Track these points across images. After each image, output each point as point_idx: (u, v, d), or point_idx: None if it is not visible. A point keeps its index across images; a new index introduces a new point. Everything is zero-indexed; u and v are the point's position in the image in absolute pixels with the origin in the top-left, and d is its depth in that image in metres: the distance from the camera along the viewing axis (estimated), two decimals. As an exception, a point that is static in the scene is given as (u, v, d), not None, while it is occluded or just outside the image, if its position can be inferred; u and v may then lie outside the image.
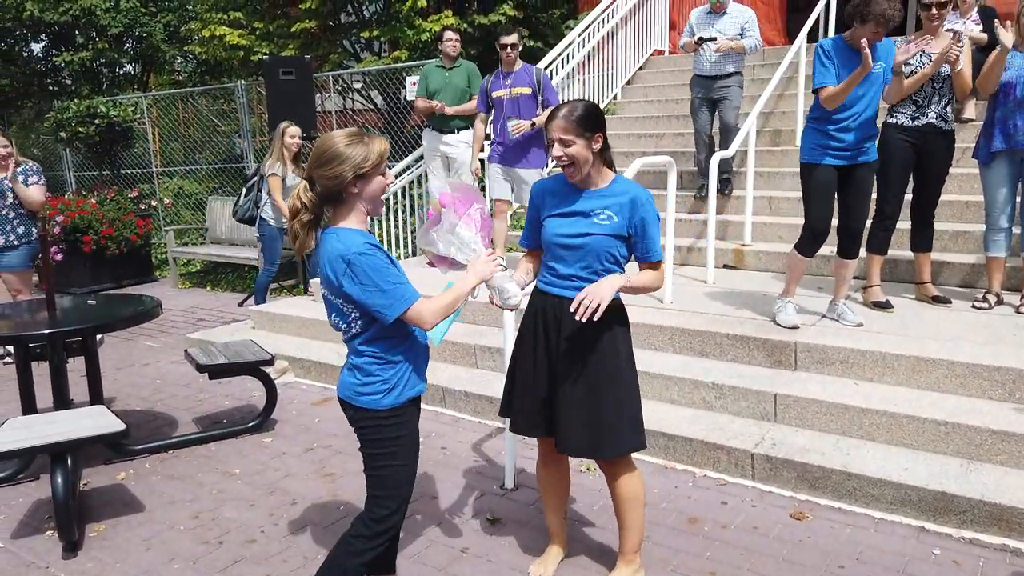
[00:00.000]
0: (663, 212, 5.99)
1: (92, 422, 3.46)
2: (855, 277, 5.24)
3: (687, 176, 6.87)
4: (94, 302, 4.41)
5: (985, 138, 4.47)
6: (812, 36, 7.21)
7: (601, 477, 3.58)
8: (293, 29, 9.86)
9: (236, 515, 3.50)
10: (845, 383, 3.89)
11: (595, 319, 2.41)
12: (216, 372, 4.37)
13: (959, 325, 4.21)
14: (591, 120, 2.51)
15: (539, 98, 5.83)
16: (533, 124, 5.70)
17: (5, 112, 15.53)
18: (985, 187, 4.53)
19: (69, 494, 3.22)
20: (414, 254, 7.52)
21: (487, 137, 6.36)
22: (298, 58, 7.95)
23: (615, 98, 8.92)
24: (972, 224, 5.37)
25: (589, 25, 8.45)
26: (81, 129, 9.97)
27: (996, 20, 4.60)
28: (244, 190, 7.09)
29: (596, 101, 8.63)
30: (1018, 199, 4.54)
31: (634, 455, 3.86)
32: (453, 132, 6.36)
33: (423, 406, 4.66)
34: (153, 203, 10.61)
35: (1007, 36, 4.22)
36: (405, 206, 7.38)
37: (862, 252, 4.74)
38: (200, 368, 4.30)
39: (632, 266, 2.65)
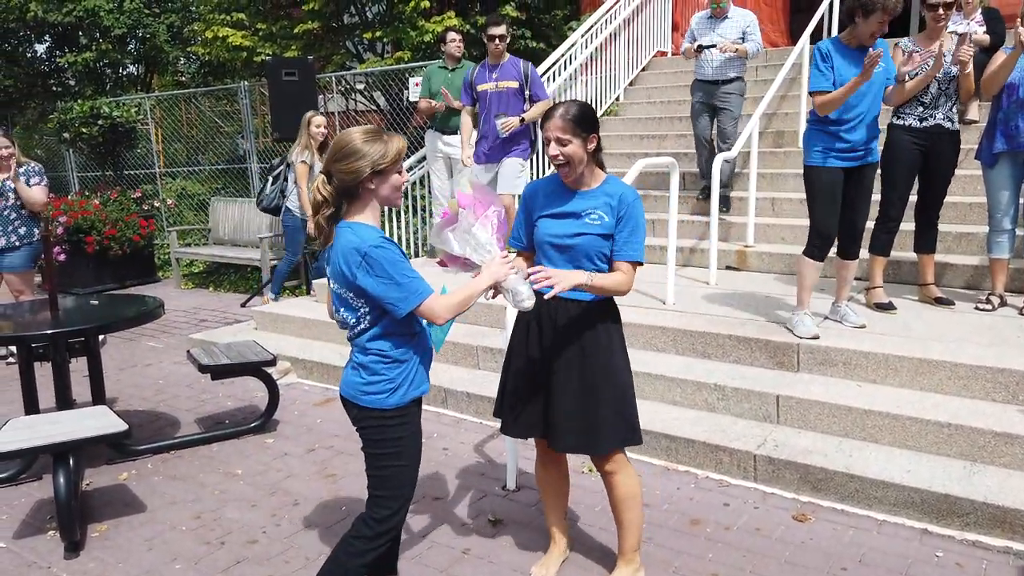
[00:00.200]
0: (665, 214, 6.01)
1: (94, 422, 3.46)
2: (857, 278, 5.23)
3: (689, 177, 6.86)
4: (97, 302, 4.41)
5: (987, 139, 4.47)
6: (815, 37, 7.18)
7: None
8: (296, 30, 9.87)
9: (238, 515, 3.50)
10: (848, 385, 3.88)
11: (546, 296, 2.39)
12: (218, 373, 4.38)
13: (962, 327, 4.20)
14: (587, 121, 2.54)
15: (526, 92, 5.69)
16: (522, 120, 5.60)
17: (9, 113, 15.56)
18: (988, 189, 4.52)
19: (71, 494, 3.22)
20: (416, 255, 7.52)
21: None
22: (301, 59, 7.96)
23: (618, 99, 8.92)
24: (975, 226, 5.36)
25: (592, 26, 8.44)
26: (84, 130, 9.99)
27: (1019, 19, 4.56)
28: (270, 179, 7.09)
29: (599, 102, 8.63)
30: (1021, 200, 4.53)
31: (636, 456, 3.89)
32: (455, 133, 6.35)
33: (424, 407, 4.68)
34: (156, 204, 10.63)
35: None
36: (407, 207, 7.38)
37: (864, 253, 4.74)
38: (202, 369, 4.30)
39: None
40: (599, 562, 2.99)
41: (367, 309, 2.27)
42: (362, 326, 2.30)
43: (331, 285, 2.35)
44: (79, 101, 10.47)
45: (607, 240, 2.58)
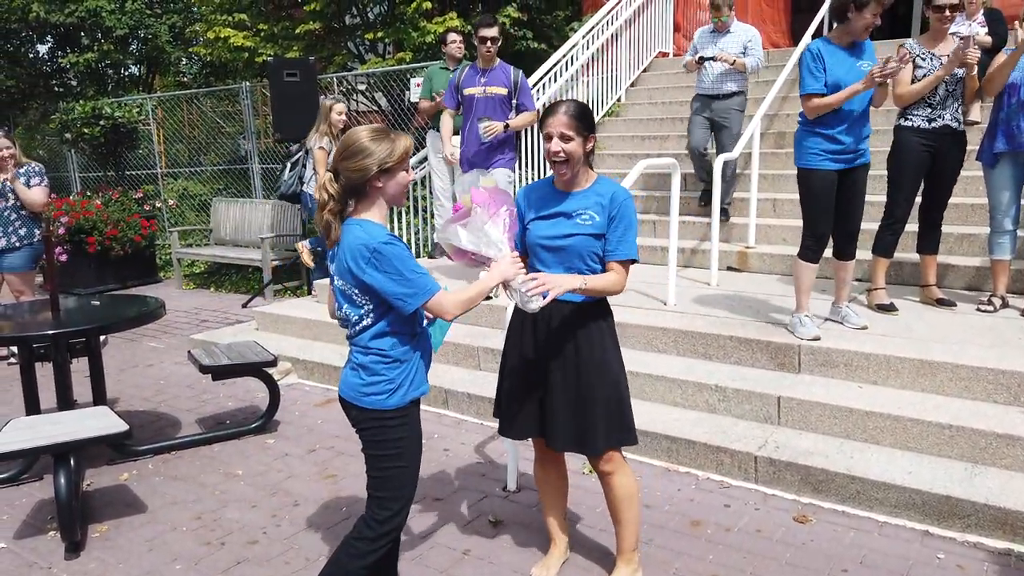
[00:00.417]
0: (667, 215, 6.01)
1: (95, 423, 3.46)
2: (858, 279, 5.23)
3: (691, 178, 6.85)
4: (98, 303, 4.42)
5: (988, 140, 4.47)
6: (817, 37, 7.19)
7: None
8: (298, 31, 9.87)
9: (238, 516, 3.50)
10: (849, 386, 3.88)
11: (543, 301, 2.40)
12: (219, 373, 4.38)
13: (964, 328, 4.19)
14: (588, 120, 2.58)
15: (513, 101, 5.44)
16: (507, 127, 5.35)
17: (11, 113, 15.58)
18: (989, 189, 4.52)
19: (72, 495, 3.22)
20: (417, 255, 7.52)
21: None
22: (302, 60, 7.96)
23: (619, 100, 8.92)
24: (977, 227, 5.35)
25: (593, 27, 8.45)
26: (86, 130, 10.01)
27: (1017, 22, 4.56)
28: (288, 165, 7.06)
29: (600, 103, 8.63)
30: (1023, 201, 4.52)
31: (636, 457, 3.88)
32: (457, 134, 6.35)
33: (425, 408, 4.68)
34: (158, 204, 10.64)
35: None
36: (409, 207, 7.38)
37: (867, 254, 4.73)
38: (203, 369, 4.30)
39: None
40: (599, 563, 2.99)
41: (371, 306, 2.28)
42: (364, 323, 2.31)
43: (335, 282, 2.36)
44: (81, 102, 10.48)
45: (599, 240, 2.59)
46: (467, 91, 5.50)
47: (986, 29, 5.75)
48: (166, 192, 11.30)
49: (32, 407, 4.04)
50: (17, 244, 5.81)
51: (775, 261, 5.66)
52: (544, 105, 7.18)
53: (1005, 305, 4.52)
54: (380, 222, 2.30)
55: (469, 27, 9.05)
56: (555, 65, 7.85)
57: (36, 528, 3.47)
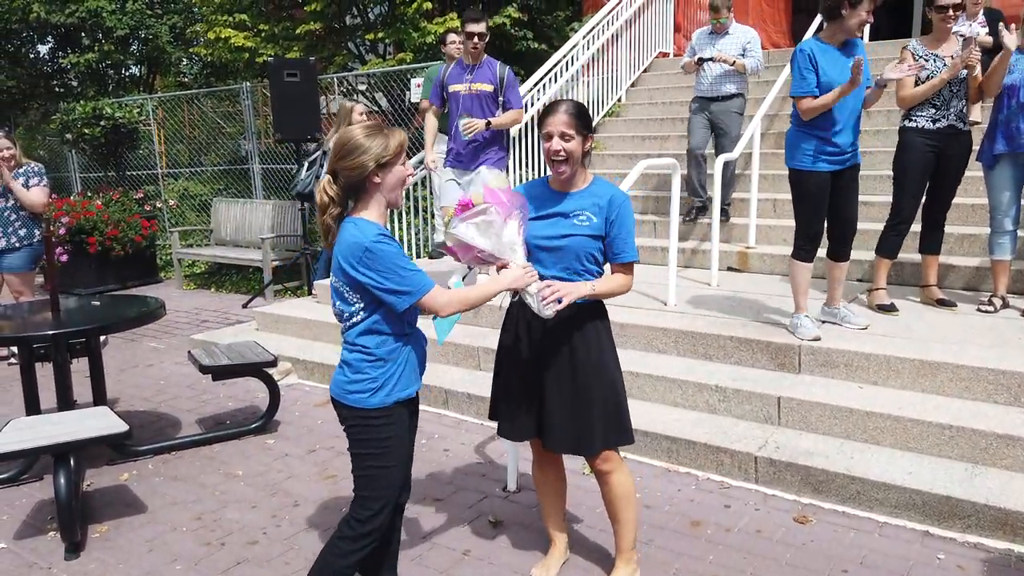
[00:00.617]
0: (667, 215, 6.00)
1: (95, 423, 3.46)
2: (859, 280, 5.23)
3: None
4: (98, 303, 4.42)
5: (988, 141, 4.47)
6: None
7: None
8: (298, 31, 9.88)
9: (238, 516, 3.50)
10: (849, 386, 3.88)
11: (558, 307, 2.44)
12: (219, 373, 4.38)
13: (964, 328, 4.19)
14: (586, 120, 2.59)
15: (500, 98, 5.26)
16: (488, 124, 5.14)
17: (11, 113, 15.60)
18: (989, 190, 4.52)
19: (72, 495, 3.22)
20: (418, 256, 7.52)
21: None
22: (303, 60, 7.96)
23: (619, 100, 8.92)
24: (977, 227, 5.35)
25: (594, 27, 8.45)
26: (87, 131, 10.01)
27: (1001, 23, 4.58)
28: (305, 164, 7.05)
29: (601, 103, 8.63)
30: (1023, 202, 4.52)
31: (636, 457, 3.88)
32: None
33: (425, 408, 4.69)
34: (158, 204, 10.65)
35: (1011, 38, 4.21)
36: (409, 208, 7.38)
37: (866, 254, 4.73)
38: (203, 369, 4.30)
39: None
40: (599, 563, 2.99)
41: (361, 304, 2.28)
42: (354, 320, 2.32)
43: (331, 280, 2.36)
44: (81, 102, 10.48)
45: (596, 241, 2.60)
46: (452, 88, 5.35)
47: (986, 29, 5.75)
48: (167, 192, 11.31)
49: (32, 407, 4.05)
50: (17, 245, 5.81)
51: (775, 261, 5.66)
52: (544, 105, 7.16)
53: (1005, 305, 4.52)
54: (377, 220, 2.30)
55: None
56: (555, 65, 7.85)
57: (36, 528, 3.47)
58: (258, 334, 6.22)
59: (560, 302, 2.43)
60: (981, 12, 5.78)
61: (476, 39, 5.17)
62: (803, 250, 4.12)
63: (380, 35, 9.56)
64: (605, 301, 2.72)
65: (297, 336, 6.03)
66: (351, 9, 10.43)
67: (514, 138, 7.29)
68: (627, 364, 4.20)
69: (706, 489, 3.58)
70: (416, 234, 7.52)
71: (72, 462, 3.32)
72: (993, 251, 4.52)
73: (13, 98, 15.55)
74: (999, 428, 3.33)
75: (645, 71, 9.31)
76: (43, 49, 15.92)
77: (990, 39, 5.61)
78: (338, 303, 2.35)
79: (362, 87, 10.53)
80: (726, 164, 5.91)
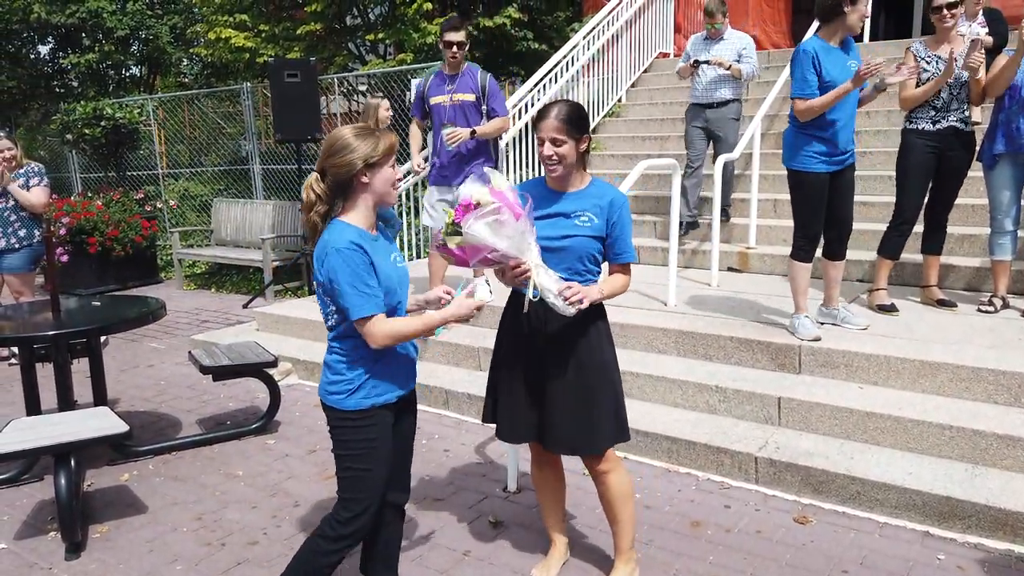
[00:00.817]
0: (667, 216, 6.01)
1: (96, 423, 3.46)
2: (859, 280, 5.23)
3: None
4: (99, 303, 4.42)
5: (988, 141, 4.47)
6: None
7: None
8: (299, 31, 9.89)
9: (239, 517, 3.50)
10: (849, 386, 3.88)
11: (580, 308, 2.45)
12: (220, 374, 4.38)
13: (964, 329, 4.19)
14: (581, 122, 2.58)
15: (483, 108, 5.03)
16: (473, 133, 4.91)
17: (12, 114, 15.61)
18: (989, 190, 4.52)
19: (72, 495, 3.23)
20: (419, 256, 7.52)
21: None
22: (303, 60, 7.97)
23: (620, 100, 8.92)
24: (978, 227, 5.35)
25: (594, 28, 8.45)
26: (87, 131, 10.02)
27: (1010, 24, 4.56)
28: None
29: (601, 103, 8.63)
30: (1023, 202, 4.52)
31: (637, 457, 3.89)
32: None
33: (426, 408, 4.69)
34: (159, 205, 10.65)
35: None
36: (409, 208, 7.39)
37: (866, 255, 4.73)
38: (204, 370, 4.30)
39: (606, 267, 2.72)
40: (599, 564, 2.99)
41: (334, 307, 2.29)
42: (330, 322, 2.32)
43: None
44: (82, 102, 10.49)
45: (597, 242, 2.61)
46: (433, 100, 5.11)
47: (987, 29, 5.75)
48: (167, 193, 11.31)
49: (33, 408, 4.05)
50: (16, 245, 5.81)
51: (776, 262, 5.66)
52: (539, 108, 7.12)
53: (1006, 306, 4.52)
54: (359, 225, 2.27)
55: (469, 28, 9.06)
56: (556, 66, 7.85)
57: (37, 529, 3.47)
58: (259, 334, 6.23)
59: (581, 302, 2.44)
60: (981, 12, 5.78)
61: (455, 48, 4.95)
62: (802, 250, 4.12)
63: (380, 36, 9.58)
64: (605, 301, 2.73)
65: (297, 336, 6.03)
66: (351, 10, 10.44)
67: (514, 138, 7.31)
68: (627, 364, 4.21)
69: (706, 489, 3.59)
70: (416, 235, 7.52)
71: (73, 462, 3.32)
72: (993, 251, 4.52)
73: (14, 98, 15.57)
74: (999, 428, 3.33)
75: (645, 71, 9.31)
76: (44, 49, 15.95)
77: (991, 39, 5.61)
78: (319, 304, 2.36)
79: (362, 87, 10.54)
80: (726, 164, 5.89)
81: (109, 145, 10.31)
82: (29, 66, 15.68)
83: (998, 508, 3.03)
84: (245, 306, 7.77)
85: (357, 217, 2.29)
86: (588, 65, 8.42)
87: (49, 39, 15.61)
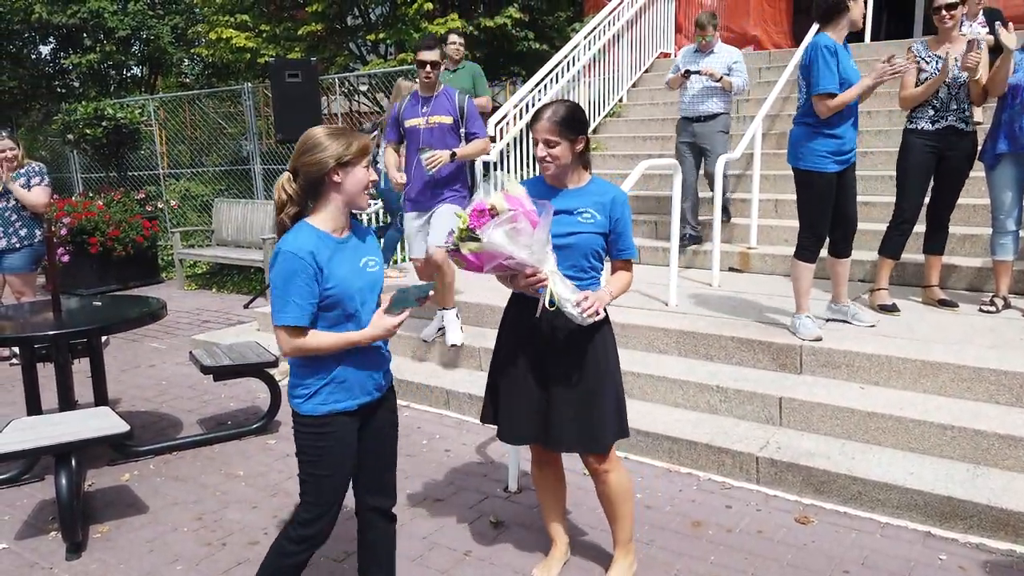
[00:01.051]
0: (667, 215, 6.00)
1: (97, 423, 3.46)
2: (860, 280, 5.23)
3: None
4: (100, 303, 4.42)
5: (991, 140, 4.46)
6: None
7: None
8: (300, 32, 9.90)
9: (239, 517, 3.50)
10: (850, 386, 3.87)
11: (597, 317, 2.49)
12: (220, 374, 4.38)
13: (965, 329, 4.19)
14: (575, 122, 2.57)
15: (461, 130, 4.76)
16: (453, 155, 4.61)
17: (13, 114, 15.62)
18: (991, 190, 4.52)
19: (73, 495, 3.23)
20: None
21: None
22: (304, 61, 7.96)
23: (621, 100, 8.92)
24: (979, 227, 5.34)
25: (595, 28, 8.45)
26: (88, 131, 10.02)
27: (998, 22, 4.57)
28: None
29: (602, 104, 8.63)
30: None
31: (637, 457, 3.89)
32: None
33: (426, 408, 4.69)
34: (160, 205, 10.66)
35: (1009, 38, 4.22)
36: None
37: (866, 254, 4.73)
38: (204, 370, 4.31)
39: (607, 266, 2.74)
40: (599, 564, 2.99)
41: None
42: None
43: None
44: (83, 103, 10.50)
45: (600, 238, 2.63)
46: (408, 123, 4.79)
47: (986, 30, 5.74)
48: (168, 193, 11.32)
49: (33, 407, 4.05)
50: (17, 245, 5.80)
51: (777, 262, 5.66)
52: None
53: (1007, 306, 4.51)
54: (325, 227, 2.23)
55: (470, 28, 9.07)
56: (557, 66, 7.85)
57: (37, 529, 3.47)
58: (259, 334, 6.22)
59: (599, 313, 2.47)
60: (981, 12, 5.78)
61: (429, 67, 4.65)
62: (808, 251, 4.12)
63: (381, 36, 9.58)
64: None
65: (298, 336, 6.01)
66: (352, 10, 10.45)
67: (515, 139, 7.30)
68: (628, 364, 4.20)
69: (707, 490, 3.58)
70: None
71: (73, 462, 3.32)
72: (995, 252, 4.52)
73: (15, 99, 15.59)
74: (1001, 429, 3.33)
75: (646, 71, 9.31)
76: (45, 50, 15.97)
77: (992, 38, 5.61)
78: None
79: (363, 87, 10.55)
80: (725, 164, 5.89)
81: (110, 145, 10.32)
82: (30, 66, 15.70)
83: (1000, 508, 3.02)
84: (246, 306, 7.77)
85: (325, 218, 2.25)
86: (589, 65, 8.42)
87: (50, 39, 15.63)
